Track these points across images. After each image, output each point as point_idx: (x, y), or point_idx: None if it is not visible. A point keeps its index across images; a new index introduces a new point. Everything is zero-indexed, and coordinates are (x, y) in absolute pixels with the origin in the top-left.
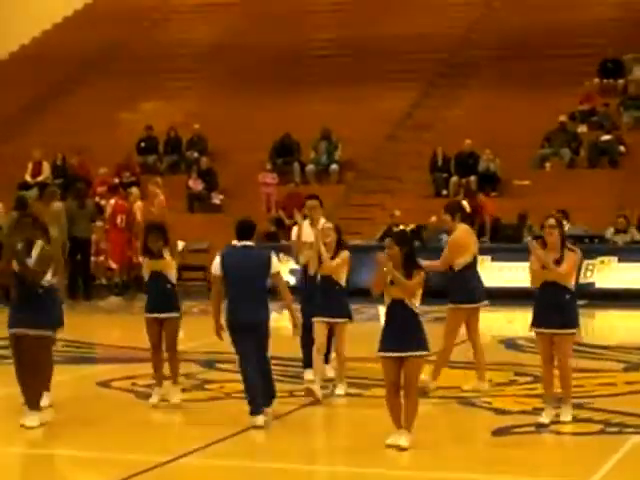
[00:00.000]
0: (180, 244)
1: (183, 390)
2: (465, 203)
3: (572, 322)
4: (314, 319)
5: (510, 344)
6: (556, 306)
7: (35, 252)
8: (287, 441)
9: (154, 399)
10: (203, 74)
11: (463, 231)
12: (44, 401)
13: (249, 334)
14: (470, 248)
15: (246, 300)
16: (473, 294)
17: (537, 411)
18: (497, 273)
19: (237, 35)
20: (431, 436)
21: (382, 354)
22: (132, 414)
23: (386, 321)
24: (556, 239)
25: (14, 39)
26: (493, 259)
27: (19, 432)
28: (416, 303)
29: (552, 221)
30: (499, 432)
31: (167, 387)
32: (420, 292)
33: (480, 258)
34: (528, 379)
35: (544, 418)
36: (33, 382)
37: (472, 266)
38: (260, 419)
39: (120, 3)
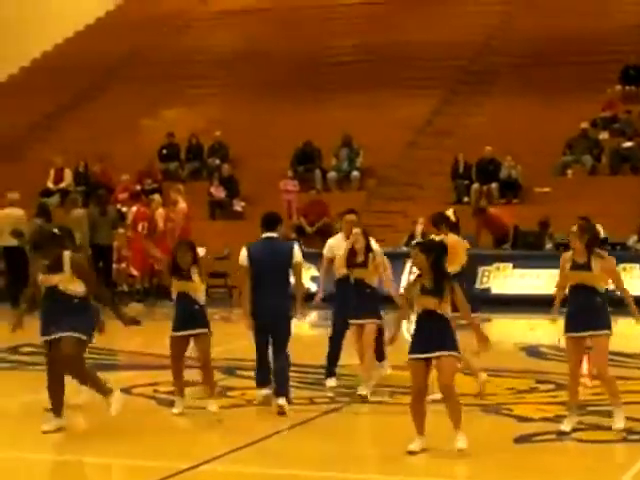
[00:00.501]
0: (201, 251)
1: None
2: (450, 213)
3: (605, 324)
4: (350, 321)
5: (532, 351)
6: (588, 309)
7: (66, 265)
8: (308, 448)
9: (178, 408)
10: (224, 81)
11: (451, 241)
12: (81, 398)
13: (269, 325)
14: (458, 258)
15: (268, 290)
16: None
17: (559, 418)
18: (518, 280)
19: (258, 42)
20: (452, 443)
21: (411, 356)
22: (153, 420)
23: (416, 328)
24: (578, 245)
25: (36, 47)
26: (514, 266)
27: (40, 438)
28: (447, 310)
29: (573, 228)
30: (521, 440)
31: (206, 401)
32: (449, 299)
33: (501, 265)
34: (550, 387)
35: (565, 426)
36: (61, 389)
37: (459, 275)
38: (264, 392)
39: (142, 10)
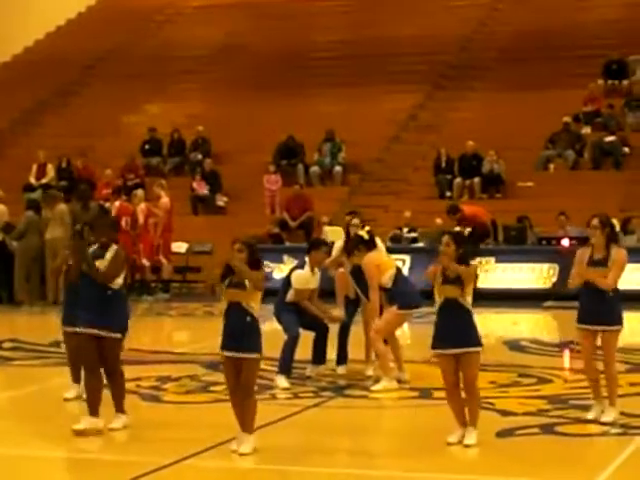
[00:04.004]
0: (183, 246)
1: (187, 392)
2: (364, 233)
3: (616, 319)
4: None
5: (514, 345)
6: (600, 304)
7: (109, 254)
8: (292, 443)
9: (235, 445)
10: (207, 76)
11: (366, 260)
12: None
13: None
14: (372, 274)
15: None
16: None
17: (541, 412)
18: (501, 274)
19: (241, 37)
20: (434, 437)
21: (437, 352)
22: (136, 415)
23: (439, 320)
24: (600, 240)
25: (18, 42)
26: (497, 261)
27: (21, 434)
28: (469, 300)
29: (595, 222)
30: (503, 433)
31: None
32: (471, 290)
33: (484, 260)
34: (532, 380)
35: (591, 414)
36: (97, 384)
37: (387, 292)
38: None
39: (123, 5)
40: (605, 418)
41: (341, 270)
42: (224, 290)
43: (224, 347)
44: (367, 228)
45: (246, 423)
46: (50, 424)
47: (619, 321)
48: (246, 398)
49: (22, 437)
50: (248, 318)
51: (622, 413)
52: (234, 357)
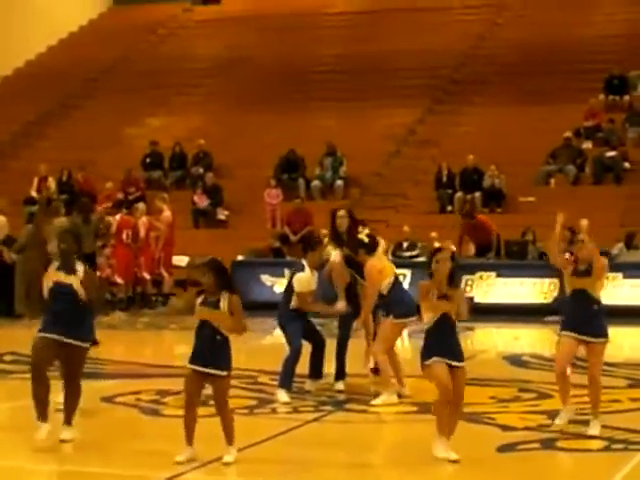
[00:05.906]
0: (184, 259)
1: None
2: (363, 236)
3: (603, 331)
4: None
5: (514, 360)
6: (587, 315)
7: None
8: (291, 457)
9: (181, 457)
10: (209, 89)
11: (371, 262)
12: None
13: None
14: (372, 281)
15: None
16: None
17: (542, 427)
18: (502, 289)
19: (243, 50)
20: (437, 452)
21: (438, 359)
22: (136, 429)
23: (439, 333)
24: (590, 251)
25: (19, 55)
26: (498, 275)
27: (19, 446)
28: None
29: (582, 237)
30: (504, 448)
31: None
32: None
33: (484, 274)
34: (533, 395)
35: (558, 420)
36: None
37: (381, 300)
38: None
39: (126, 19)
40: (592, 431)
41: (337, 260)
42: (197, 307)
43: (191, 362)
44: (367, 231)
45: (227, 436)
46: (49, 437)
47: (605, 334)
48: (221, 412)
49: (21, 450)
50: (218, 337)
51: (622, 429)
52: (201, 371)
